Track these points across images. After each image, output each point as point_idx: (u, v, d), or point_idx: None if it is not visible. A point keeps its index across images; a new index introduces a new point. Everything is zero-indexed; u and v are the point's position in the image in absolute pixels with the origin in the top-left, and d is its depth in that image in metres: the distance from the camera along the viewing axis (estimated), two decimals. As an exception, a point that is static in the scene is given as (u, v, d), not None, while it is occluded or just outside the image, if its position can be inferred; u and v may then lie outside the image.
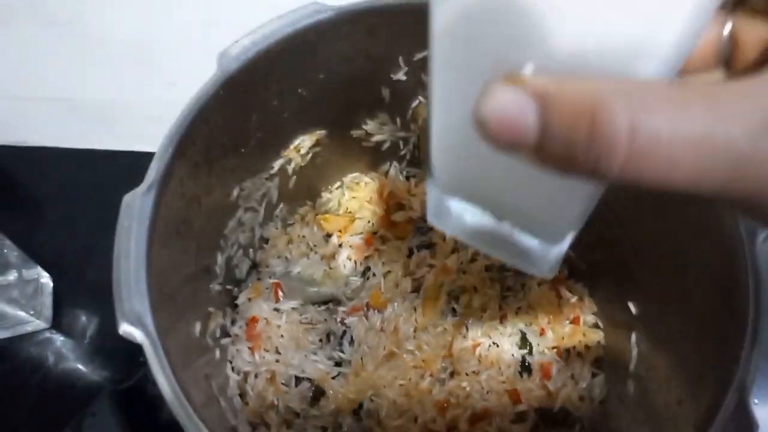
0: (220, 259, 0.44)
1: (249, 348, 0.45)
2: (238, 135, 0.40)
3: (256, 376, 0.45)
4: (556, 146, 0.15)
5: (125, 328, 0.29)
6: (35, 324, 0.66)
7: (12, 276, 0.64)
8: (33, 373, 0.66)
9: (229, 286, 0.46)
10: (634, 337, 0.44)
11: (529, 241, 0.25)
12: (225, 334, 0.45)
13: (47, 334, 0.68)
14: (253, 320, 0.45)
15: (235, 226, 0.45)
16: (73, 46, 0.65)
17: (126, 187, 0.82)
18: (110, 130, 0.77)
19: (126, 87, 0.71)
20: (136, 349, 0.68)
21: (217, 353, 0.43)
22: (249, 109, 0.39)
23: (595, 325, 0.49)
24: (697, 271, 0.36)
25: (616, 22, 0.15)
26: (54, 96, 0.72)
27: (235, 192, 0.43)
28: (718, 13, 0.21)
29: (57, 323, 0.68)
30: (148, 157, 0.81)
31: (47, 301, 0.68)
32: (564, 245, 0.24)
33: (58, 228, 0.75)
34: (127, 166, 0.79)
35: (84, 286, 0.70)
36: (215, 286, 0.43)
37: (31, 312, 0.65)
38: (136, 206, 0.31)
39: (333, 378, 0.46)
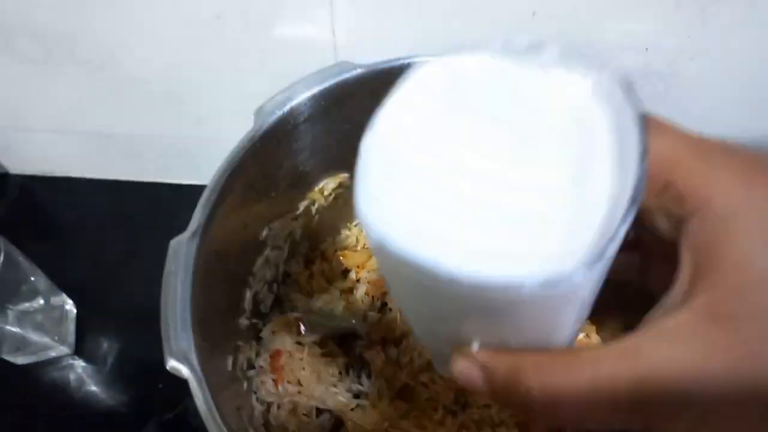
0: (248, 295, 0.46)
1: (273, 380, 0.48)
2: (269, 182, 0.43)
3: (279, 407, 0.48)
4: (498, 397, 0.22)
5: (173, 365, 0.31)
6: (59, 350, 0.69)
7: (39, 302, 0.67)
8: (55, 396, 0.69)
9: (254, 320, 0.49)
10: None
11: None
12: (250, 366, 0.48)
13: (70, 360, 0.70)
14: (277, 353, 0.48)
15: (262, 264, 0.47)
16: (105, 84, 0.68)
17: (151, 218, 0.85)
18: (137, 162, 0.80)
19: (155, 122, 0.75)
20: (154, 376, 0.71)
21: (245, 385, 0.45)
22: (280, 159, 0.42)
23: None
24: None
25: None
26: (84, 130, 0.76)
27: (264, 232, 0.46)
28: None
29: (79, 349, 0.70)
30: (173, 188, 0.84)
31: (71, 327, 0.71)
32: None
33: (83, 256, 0.77)
34: (152, 198, 0.83)
35: (106, 314, 0.73)
36: (243, 321, 0.46)
37: (56, 338, 0.68)
38: (182, 251, 0.34)
39: (352, 410, 0.48)
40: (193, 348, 0.32)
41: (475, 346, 0.22)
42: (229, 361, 0.42)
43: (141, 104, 0.72)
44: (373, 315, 0.52)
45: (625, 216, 0.17)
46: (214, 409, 0.30)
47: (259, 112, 0.39)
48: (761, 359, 0.18)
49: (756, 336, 0.18)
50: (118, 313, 0.73)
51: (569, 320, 0.21)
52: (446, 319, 0.22)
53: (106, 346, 0.72)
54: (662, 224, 0.22)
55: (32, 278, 0.65)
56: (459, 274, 0.16)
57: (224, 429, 0.30)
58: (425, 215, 0.19)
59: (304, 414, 0.47)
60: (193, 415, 0.32)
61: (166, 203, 0.83)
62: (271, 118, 0.39)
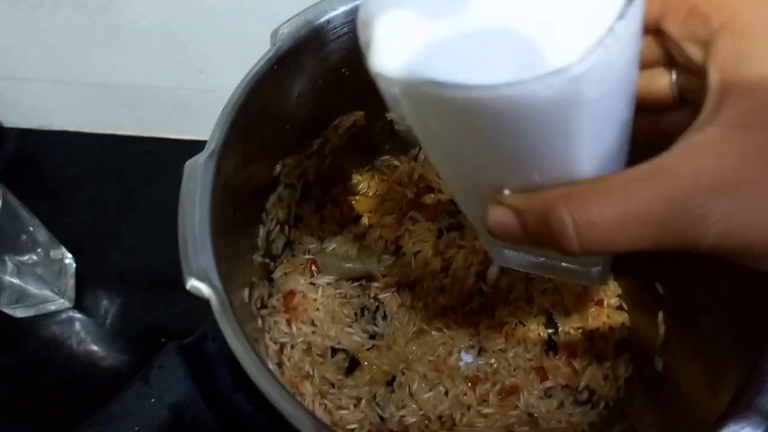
0: (262, 232, 0.45)
1: (286, 320, 0.47)
2: (285, 111, 0.41)
3: (292, 347, 0.47)
4: (534, 239, 0.22)
5: (193, 284, 0.30)
6: (59, 303, 0.67)
7: (38, 255, 0.65)
8: (57, 350, 0.67)
9: (267, 260, 0.48)
10: (661, 316, 0.45)
11: (575, 266, 0.29)
12: (263, 305, 0.47)
13: (69, 314, 0.69)
14: (291, 293, 0.47)
15: (275, 202, 0.46)
16: (103, 32, 0.66)
17: (150, 174, 0.83)
18: (136, 116, 0.78)
19: (153, 73, 0.72)
20: (155, 333, 0.69)
21: (259, 322, 0.44)
22: (296, 87, 0.41)
23: (620, 308, 0.50)
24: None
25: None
26: (82, 80, 0.73)
27: (278, 168, 0.44)
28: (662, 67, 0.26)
29: (79, 304, 0.69)
30: (172, 144, 0.82)
31: (71, 281, 0.70)
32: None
33: (81, 211, 0.76)
34: (151, 152, 0.81)
35: (106, 269, 0.72)
36: (258, 258, 0.45)
37: (55, 290, 0.66)
38: (200, 171, 0.33)
39: (367, 350, 0.47)
40: (214, 267, 0.30)
41: (507, 192, 0.23)
42: (246, 293, 0.40)
43: (140, 53, 0.70)
44: (387, 258, 0.51)
45: None
46: (238, 330, 0.29)
47: (276, 34, 0.37)
48: None
49: None
50: (118, 269, 0.72)
51: (592, 144, 0.21)
52: (478, 165, 0.23)
53: (106, 301, 0.70)
54: (692, 51, 0.22)
55: (31, 228, 0.64)
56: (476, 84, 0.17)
57: (250, 350, 0.29)
58: (441, 40, 0.19)
59: (318, 354, 0.46)
60: (211, 341, 0.31)
61: (166, 158, 0.81)
62: (289, 42, 0.38)
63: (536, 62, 0.17)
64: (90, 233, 0.75)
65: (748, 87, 0.19)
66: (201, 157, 0.33)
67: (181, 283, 0.73)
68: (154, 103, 0.76)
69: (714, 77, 0.20)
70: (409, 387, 0.47)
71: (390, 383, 0.47)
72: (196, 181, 0.32)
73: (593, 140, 0.21)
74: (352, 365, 0.47)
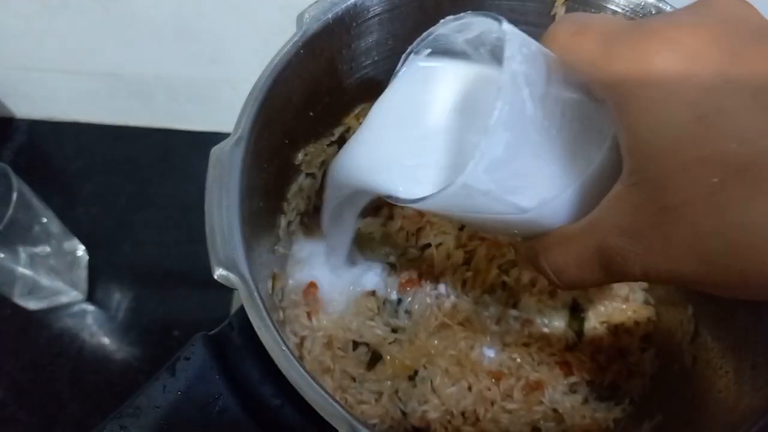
0: (283, 222, 0.44)
1: (306, 312, 0.46)
2: (309, 98, 0.40)
3: (313, 340, 0.46)
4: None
5: (221, 273, 0.29)
6: (72, 295, 0.67)
7: (51, 246, 0.65)
8: (70, 343, 0.67)
9: (287, 251, 0.47)
10: (690, 310, 0.44)
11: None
12: (283, 297, 0.46)
13: (82, 306, 0.69)
14: (311, 285, 0.46)
15: (296, 192, 0.45)
16: (115, 21, 0.65)
17: (162, 166, 0.83)
18: (148, 106, 0.77)
19: (166, 63, 0.72)
20: (168, 326, 0.69)
21: (281, 314, 0.43)
22: (321, 73, 0.40)
23: (646, 302, 0.49)
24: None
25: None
26: (94, 70, 0.72)
27: (300, 156, 0.43)
28: None
29: (91, 297, 0.69)
30: (184, 135, 0.82)
31: (83, 273, 0.69)
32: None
33: (93, 203, 0.75)
34: (162, 144, 0.80)
35: (119, 262, 0.71)
36: (279, 248, 0.44)
37: (69, 283, 0.66)
38: (226, 157, 0.32)
39: (390, 344, 0.46)
40: (243, 256, 0.29)
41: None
42: (269, 284, 0.39)
43: (153, 42, 0.69)
44: (413, 251, 0.50)
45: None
46: (268, 321, 0.28)
47: (302, 17, 0.36)
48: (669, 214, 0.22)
49: (662, 192, 0.22)
50: (130, 262, 0.72)
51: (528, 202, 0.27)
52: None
53: (119, 293, 0.70)
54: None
55: (44, 220, 0.63)
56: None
57: (280, 341, 0.28)
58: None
59: (339, 348, 0.45)
60: (237, 332, 0.30)
61: (177, 150, 0.80)
62: (316, 25, 0.36)
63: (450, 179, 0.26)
64: (102, 225, 0.74)
65: (639, 149, 0.23)
66: (227, 144, 0.32)
67: (194, 276, 0.73)
68: (166, 94, 0.75)
69: (622, 139, 0.24)
70: (432, 382, 0.46)
71: (412, 378, 0.46)
72: (223, 168, 0.31)
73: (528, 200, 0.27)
74: (374, 359, 0.46)
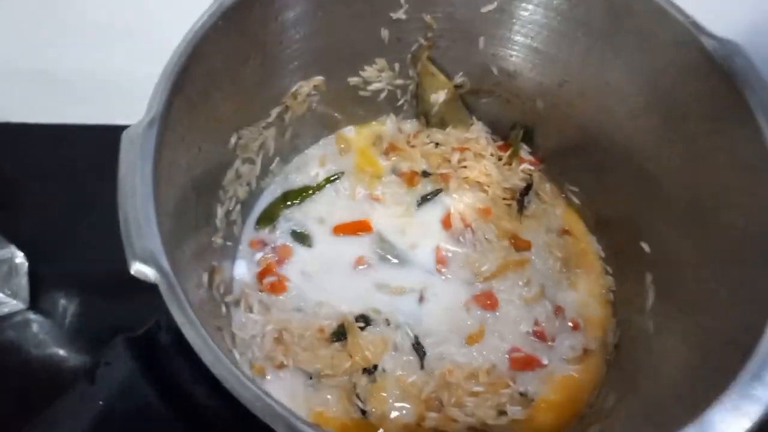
0: (220, 211, 0.42)
1: (259, 302, 0.43)
2: (236, 77, 0.38)
3: (263, 336, 0.43)
4: None
5: (137, 267, 0.27)
6: (12, 305, 0.63)
7: (-15, 256, 0.60)
8: (14, 354, 0.63)
9: (228, 243, 0.44)
10: (649, 277, 0.43)
11: None
12: (227, 291, 0.43)
13: (25, 316, 0.65)
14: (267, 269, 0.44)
15: (233, 178, 0.43)
16: (47, 14, 0.61)
17: (104, 166, 0.79)
18: (85, 103, 0.73)
19: (103, 58, 0.68)
20: (118, 332, 0.66)
21: (224, 309, 0.41)
22: (247, 49, 0.37)
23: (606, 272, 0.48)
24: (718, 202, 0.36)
25: None
26: (24, 67, 0.68)
27: (233, 140, 0.41)
28: None
29: (35, 305, 0.65)
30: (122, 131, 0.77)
31: (23, 281, 0.65)
32: None
33: (33, 207, 0.71)
34: (104, 143, 0.76)
35: (62, 268, 0.67)
36: (218, 240, 0.41)
37: (8, 292, 0.62)
38: (139, 142, 0.29)
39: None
40: (161, 247, 0.27)
41: None
42: (205, 278, 0.37)
43: (87, 38, 0.65)
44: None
45: None
46: (191, 315, 0.26)
47: (218, -13, 0.33)
48: None
49: None
50: (74, 266, 0.68)
51: None
52: None
53: (64, 301, 0.66)
54: None
55: (-26, 230, 0.59)
56: None
57: (205, 335, 0.26)
58: None
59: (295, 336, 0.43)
60: (165, 332, 0.27)
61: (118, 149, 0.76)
62: (234, -4, 0.34)
63: None
64: (42, 231, 0.70)
65: None
66: (140, 126, 0.29)
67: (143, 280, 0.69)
68: (107, 90, 0.72)
69: None
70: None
71: (371, 372, 0.43)
72: (136, 153, 0.28)
73: None
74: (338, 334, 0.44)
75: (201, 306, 0.30)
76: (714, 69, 0.34)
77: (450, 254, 0.48)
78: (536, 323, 0.46)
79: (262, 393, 0.25)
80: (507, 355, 0.45)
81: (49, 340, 0.64)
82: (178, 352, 0.29)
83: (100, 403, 0.26)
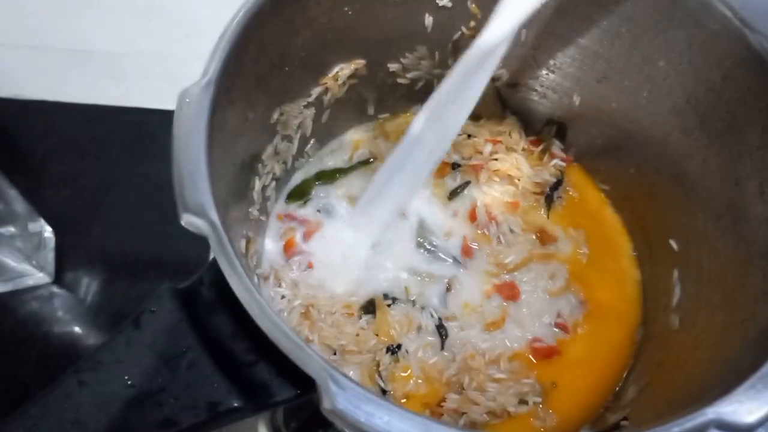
0: (258, 184, 0.42)
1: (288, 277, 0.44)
2: (284, 50, 0.39)
3: (289, 312, 0.44)
4: None
5: (189, 219, 0.27)
6: (38, 277, 0.64)
7: (16, 227, 0.62)
8: (36, 327, 0.64)
9: (263, 217, 0.45)
10: (676, 273, 0.43)
11: None
12: (258, 264, 0.44)
13: (49, 289, 0.66)
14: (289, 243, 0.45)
15: (272, 153, 0.43)
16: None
17: (134, 146, 0.80)
18: (118, 84, 0.75)
19: (137, 38, 0.69)
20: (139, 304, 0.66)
21: (256, 279, 0.41)
22: (298, 23, 0.38)
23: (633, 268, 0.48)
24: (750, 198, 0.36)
25: None
26: (62, 46, 0.70)
27: (275, 115, 0.41)
28: None
29: (59, 279, 0.66)
30: (158, 114, 0.79)
31: (50, 255, 0.66)
32: None
33: (62, 184, 0.72)
34: (134, 124, 0.78)
35: (88, 244, 0.68)
36: (254, 212, 0.42)
37: (34, 264, 0.63)
38: (195, 101, 0.30)
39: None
40: (211, 202, 0.27)
41: None
42: (243, 244, 0.38)
43: (124, 16, 0.66)
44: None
45: None
46: (239, 268, 0.26)
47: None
48: None
49: None
50: (99, 243, 0.69)
51: None
52: None
53: (88, 276, 0.67)
54: None
55: (9, 200, 0.60)
56: None
57: (252, 289, 0.26)
58: None
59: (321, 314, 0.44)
60: (208, 287, 0.28)
61: (151, 130, 0.77)
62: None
63: None
64: (70, 207, 0.71)
65: None
66: (196, 87, 0.30)
67: (166, 257, 0.70)
68: (138, 71, 0.73)
69: None
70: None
71: (394, 352, 0.44)
72: (192, 111, 0.29)
73: None
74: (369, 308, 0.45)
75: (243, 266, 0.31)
76: (760, 64, 0.35)
77: (476, 245, 0.49)
78: (559, 315, 0.46)
79: (305, 345, 0.26)
80: (528, 345, 0.45)
81: (70, 315, 0.65)
82: (220, 308, 0.29)
83: (144, 347, 0.26)
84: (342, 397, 0.25)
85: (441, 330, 0.45)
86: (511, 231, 0.49)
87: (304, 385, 0.26)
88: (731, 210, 0.38)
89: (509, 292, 0.47)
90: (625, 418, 0.38)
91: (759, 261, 0.35)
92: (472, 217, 0.50)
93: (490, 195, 0.51)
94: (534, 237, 0.50)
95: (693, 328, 0.39)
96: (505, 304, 0.47)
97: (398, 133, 0.53)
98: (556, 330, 0.46)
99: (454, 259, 0.48)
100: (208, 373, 0.28)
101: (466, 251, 0.49)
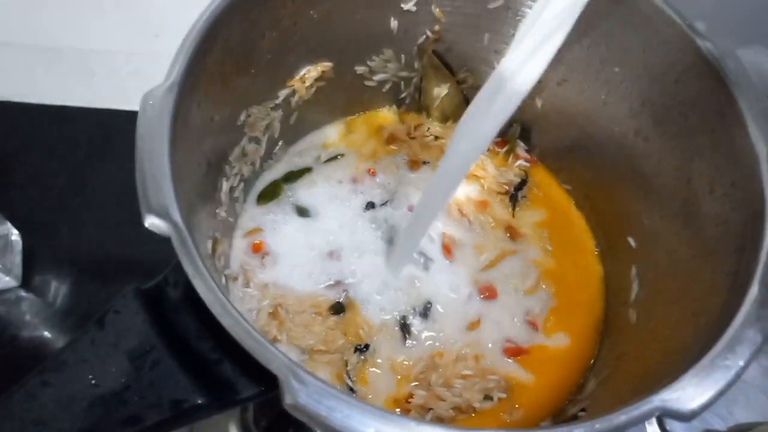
0: (225, 186, 0.43)
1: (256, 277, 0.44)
2: (250, 53, 0.39)
3: (258, 312, 0.44)
4: None
5: (152, 221, 0.28)
6: (4, 281, 0.63)
7: (-20, 231, 0.61)
8: (2, 332, 0.63)
9: (230, 219, 0.45)
10: (634, 270, 0.45)
11: None
12: (226, 265, 0.44)
13: (17, 293, 0.65)
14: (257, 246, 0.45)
15: (239, 155, 0.44)
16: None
17: (103, 148, 0.79)
18: (86, 83, 0.74)
19: (106, 36, 0.69)
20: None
21: (223, 279, 0.42)
22: (263, 26, 0.39)
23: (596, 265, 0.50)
24: (705, 196, 0.38)
25: None
26: (28, 43, 0.69)
27: (242, 116, 0.42)
28: None
29: (27, 283, 0.65)
30: (126, 115, 0.78)
31: (17, 259, 0.66)
32: None
33: (29, 185, 0.72)
34: (103, 124, 0.77)
35: (56, 246, 0.68)
36: (221, 213, 0.42)
37: (1, 269, 0.62)
38: (158, 103, 0.30)
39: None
40: (174, 203, 0.28)
41: None
42: (209, 245, 0.38)
43: (90, 14, 0.66)
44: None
45: None
46: (202, 268, 0.27)
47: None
48: None
49: None
50: (68, 246, 0.68)
51: None
52: None
53: (56, 279, 0.66)
54: None
55: (-28, 205, 0.59)
56: None
57: (215, 288, 0.27)
58: None
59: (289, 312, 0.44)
60: (173, 286, 0.28)
61: (119, 130, 0.77)
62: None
63: None
64: (38, 208, 0.70)
65: None
66: (160, 89, 0.30)
67: (137, 258, 0.70)
68: (107, 70, 0.72)
69: None
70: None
71: (363, 352, 0.44)
72: (155, 113, 0.30)
73: None
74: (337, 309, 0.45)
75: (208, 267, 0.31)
76: (709, 70, 0.36)
77: (452, 243, 0.50)
78: (528, 313, 0.48)
79: (267, 342, 0.26)
80: (500, 344, 0.46)
81: (38, 319, 0.64)
82: (185, 308, 0.30)
83: (108, 347, 0.27)
84: (303, 392, 0.25)
85: (405, 329, 0.45)
86: (483, 229, 0.50)
87: (268, 382, 0.27)
88: (684, 208, 0.40)
89: (486, 292, 0.48)
90: (583, 410, 0.39)
91: (709, 256, 0.36)
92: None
93: (461, 193, 0.51)
94: (505, 234, 0.51)
95: (649, 322, 0.41)
96: (484, 303, 0.47)
97: (368, 130, 0.53)
98: (527, 327, 0.47)
99: (429, 258, 0.49)
100: (173, 372, 0.28)
101: (447, 249, 0.49)
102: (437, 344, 0.45)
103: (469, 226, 0.50)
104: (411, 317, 0.46)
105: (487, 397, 0.44)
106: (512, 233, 0.50)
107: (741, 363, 0.28)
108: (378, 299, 0.46)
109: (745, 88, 0.35)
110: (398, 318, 0.46)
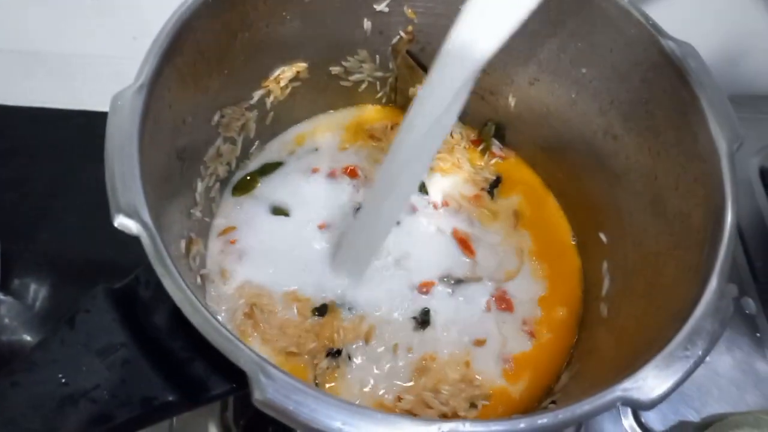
0: (201, 186, 0.43)
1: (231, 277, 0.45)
2: (223, 54, 0.39)
3: (233, 311, 0.44)
4: None
5: (121, 221, 0.28)
6: (-20, 286, 0.63)
7: (-44, 235, 0.60)
8: (-19, 337, 0.63)
9: (207, 218, 0.45)
10: (605, 265, 0.45)
11: None
12: (202, 265, 0.44)
13: (-5, 298, 0.64)
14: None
15: (214, 155, 0.44)
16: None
17: (83, 150, 0.79)
18: (67, 87, 0.74)
19: (86, 40, 0.69)
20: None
21: (198, 279, 0.42)
22: (236, 27, 0.39)
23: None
24: (672, 191, 0.39)
25: None
26: (7, 47, 0.69)
27: (216, 117, 0.42)
28: None
29: (6, 286, 0.65)
30: (105, 118, 0.78)
31: (-5, 263, 0.65)
32: None
33: (8, 189, 0.71)
34: (83, 127, 0.77)
35: (36, 249, 0.67)
36: (196, 213, 0.42)
37: (-21, 273, 0.62)
38: (128, 104, 0.30)
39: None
40: (144, 203, 0.28)
41: None
42: (182, 245, 0.38)
43: (69, 18, 0.66)
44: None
45: None
46: (172, 268, 0.27)
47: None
48: None
49: None
50: (48, 249, 0.68)
51: None
52: None
53: (36, 283, 0.66)
54: None
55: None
56: None
57: (185, 288, 0.27)
58: None
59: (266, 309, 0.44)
60: (144, 286, 0.29)
61: (100, 133, 0.76)
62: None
63: None
64: (17, 212, 0.70)
65: None
66: (129, 90, 0.31)
67: (118, 262, 0.69)
68: (87, 73, 0.72)
69: None
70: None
71: (335, 356, 0.44)
72: (124, 114, 0.30)
73: None
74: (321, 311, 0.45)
75: (180, 267, 0.32)
76: (672, 68, 0.37)
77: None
78: (525, 323, 0.47)
79: (236, 339, 0.26)
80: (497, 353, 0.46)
81: (18, 323, 0.64)
82: (157, 308, 0.30)
83: (79, 347, 0.27)
84: (272, 387, 0.26)
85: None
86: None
87: (239, 379, 0.27)
88: (652, 204, 0.41)
89: (503, 303, 0.48)
90: (553, 402, 0.40)
91: (674, 251, 0.37)
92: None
93: (454, 189, 0.52)
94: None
95: (618, 316, 0.42)
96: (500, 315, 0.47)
97: (346, 126, 0.54)
98: (526, 336, 0.47)
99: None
100: (143, 370, 0.29)
101: (465, 245, 0.49)
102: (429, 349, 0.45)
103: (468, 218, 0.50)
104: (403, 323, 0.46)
105: (473, 405, 0.44)
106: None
107: (699, 353, 0.28)
108: (360, 303, 0.46)
109: (706, 86, 0.36)
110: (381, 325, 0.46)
